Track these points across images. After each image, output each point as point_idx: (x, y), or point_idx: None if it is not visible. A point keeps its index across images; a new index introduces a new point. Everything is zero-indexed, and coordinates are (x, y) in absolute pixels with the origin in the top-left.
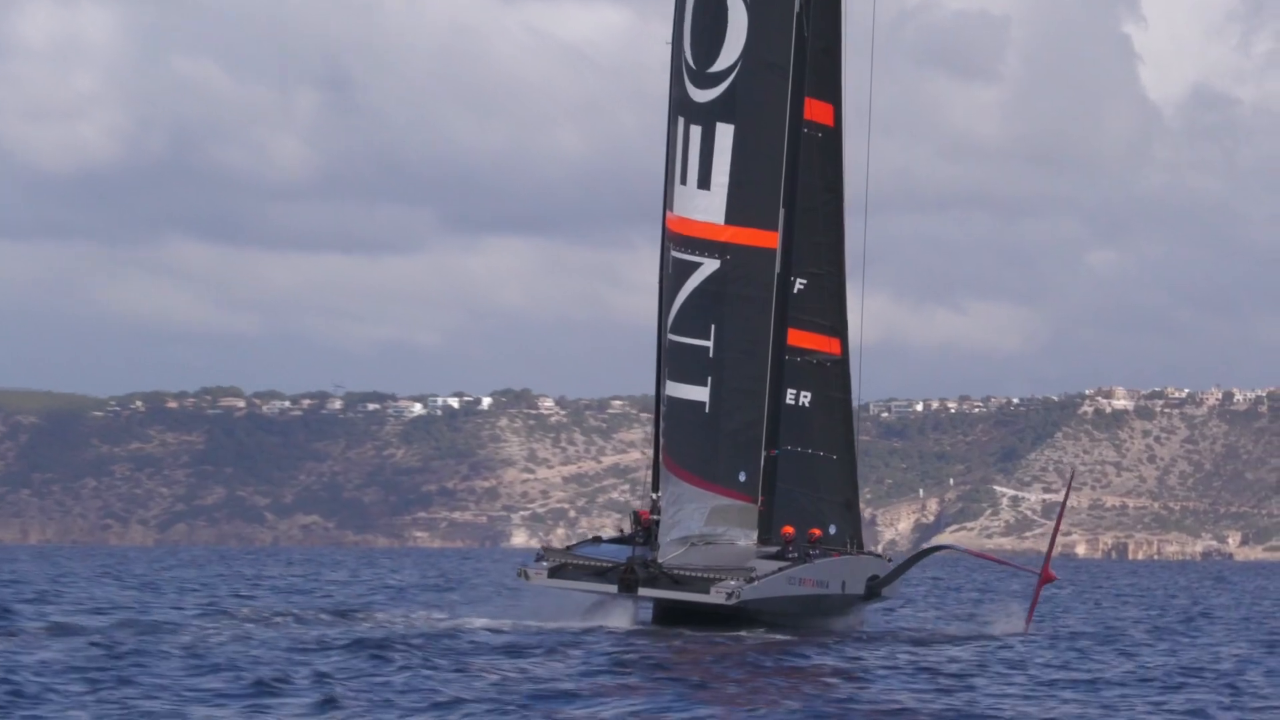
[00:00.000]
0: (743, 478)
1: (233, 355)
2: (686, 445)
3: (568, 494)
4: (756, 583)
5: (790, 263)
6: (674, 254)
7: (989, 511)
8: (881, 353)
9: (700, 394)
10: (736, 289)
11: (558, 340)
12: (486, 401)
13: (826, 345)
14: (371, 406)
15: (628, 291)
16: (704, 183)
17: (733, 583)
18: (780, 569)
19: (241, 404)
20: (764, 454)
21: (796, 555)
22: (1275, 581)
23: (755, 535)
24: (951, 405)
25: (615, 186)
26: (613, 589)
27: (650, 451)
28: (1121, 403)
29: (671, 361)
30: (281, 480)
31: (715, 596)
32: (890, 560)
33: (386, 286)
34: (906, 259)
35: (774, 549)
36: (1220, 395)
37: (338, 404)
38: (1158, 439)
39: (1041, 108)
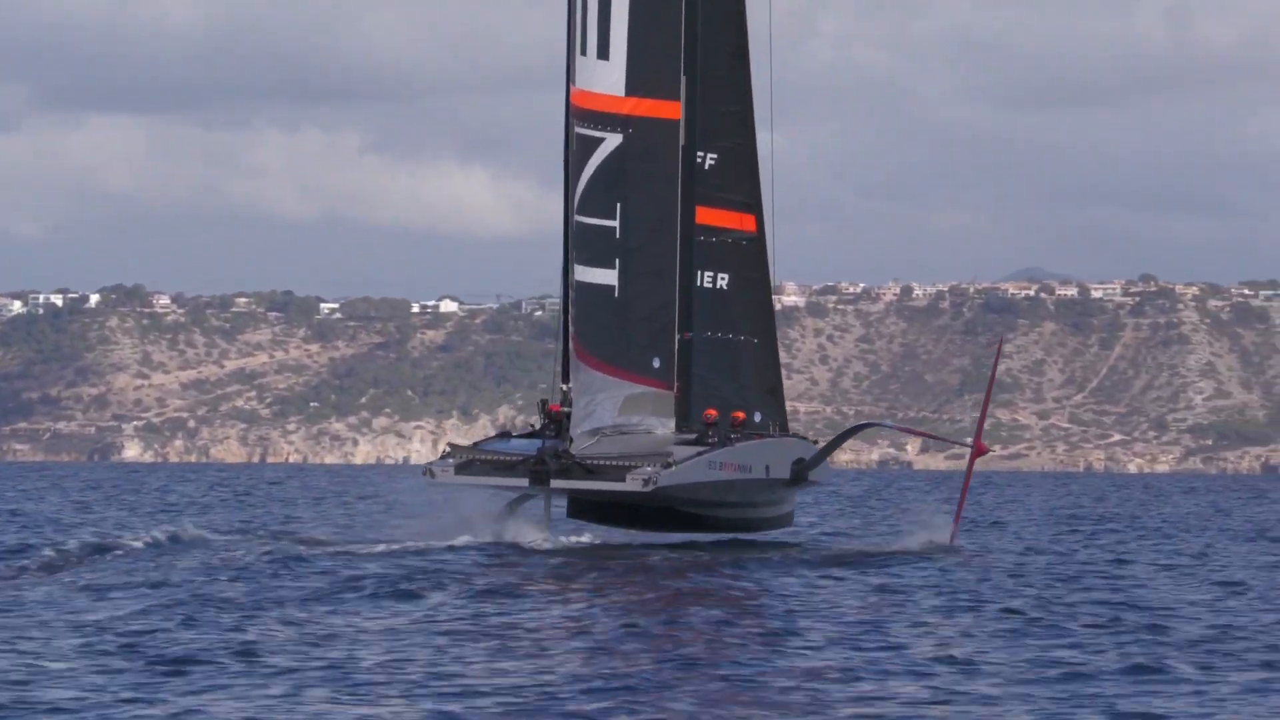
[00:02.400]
0: (656, 364)
1: None
2: (597, 332)
3: (187, 402)
4: (674, 468)
5: (694, 134)
6: (577, 130)
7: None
8: (533, 245)
9: (609, 277)
10: (640, 164)
11: (173, 231)
12: (94, 299)
13: (741, 223)
14: None
15: (249, 177)
16: (603, 52)
17: (649, 469)
18: (699, 453)
19: None
20: (677, 337)
21: (716, 439)
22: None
23: (672, 423)
24: None
25: (233, 60)
26: (524, 482)
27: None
28: (791, 299)
29: (578, 244)
30: None
31: (631, 484)
32: (816, 442)
33: None
34: (550, 140)
35: (692, 435)
36: (898, 290)
37: None
38: (830, 338)
39: None
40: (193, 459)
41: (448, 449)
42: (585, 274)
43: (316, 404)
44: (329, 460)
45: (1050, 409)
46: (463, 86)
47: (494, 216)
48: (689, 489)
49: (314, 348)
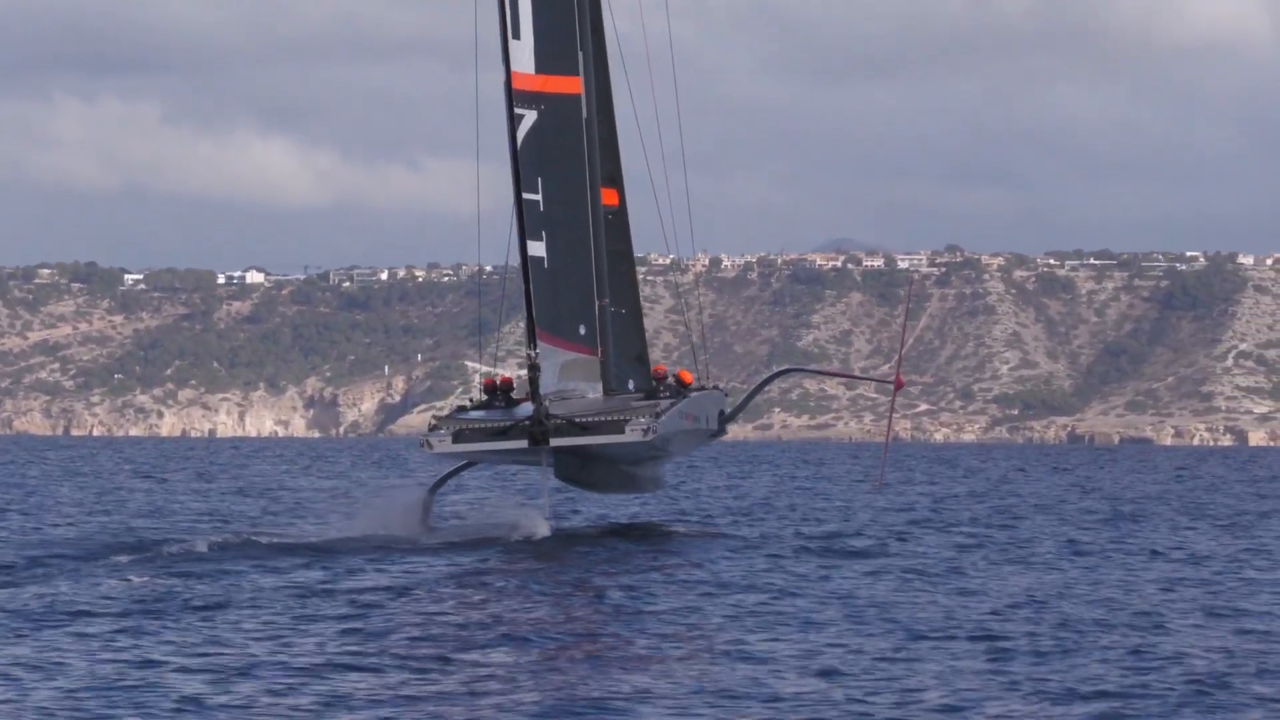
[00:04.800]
0: (582, 330)
1: None
2: (539, 303)
3: None
4: (663, 418)
5: (594, 107)
6: (515, 109)
7: (461, 389)
8: (337, 216)
9: (540, 249)
10: (553, 139)
11: None
12: None
13: (605, 197)
14: None
15: (48, 148)
16: (516, 33)
17: (644, 419)
18: (671, 405)
19: None
20: (597, 304)
21: (667, 394)
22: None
23: (600, 386)
24: (419, 273)
25: (27, 30)
26: (524, 444)
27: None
28: None
29: (526, 219)
30: None
31: (631, 435)
32: (728, 394)
33: None
34: (353, 112)
35: (633, 395)
36: (707, 261)
37: None
38: None
39: None
40: None
41: (434, 422)
42: (530, 247)
43: (121, 376)
44: (134, 433)
45: (857, 379)
46: (260, 56)
47: (298, 187)
48: (670, 439)
49: (118, 319)
